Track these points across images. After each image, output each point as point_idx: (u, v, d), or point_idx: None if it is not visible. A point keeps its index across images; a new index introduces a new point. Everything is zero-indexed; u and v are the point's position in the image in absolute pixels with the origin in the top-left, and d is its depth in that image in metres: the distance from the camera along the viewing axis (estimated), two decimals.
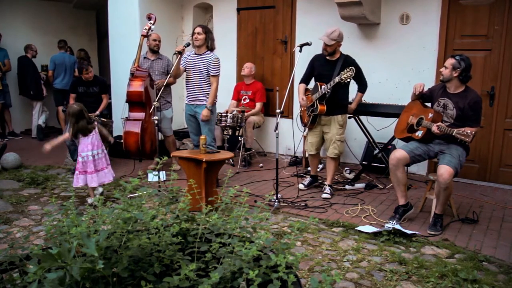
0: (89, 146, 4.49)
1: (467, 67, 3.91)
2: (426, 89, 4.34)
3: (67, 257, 1.52)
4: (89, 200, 4.64)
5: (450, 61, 3.96)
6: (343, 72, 4.51)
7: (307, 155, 5.95)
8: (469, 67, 3.93)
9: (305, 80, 5.07)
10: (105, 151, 4.66)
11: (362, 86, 4.98)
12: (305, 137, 6.11)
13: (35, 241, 3.69)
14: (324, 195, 4.91)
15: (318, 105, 4.76)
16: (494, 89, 5.33)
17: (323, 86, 4.69)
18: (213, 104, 5.24)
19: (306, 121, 5.02)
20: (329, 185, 5.01)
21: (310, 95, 4.91)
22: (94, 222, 1.94)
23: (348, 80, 4.53)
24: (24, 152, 6.88)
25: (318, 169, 6.03)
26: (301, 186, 5.21)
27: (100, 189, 4.65)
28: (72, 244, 1.58)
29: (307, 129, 5.11)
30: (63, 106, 7.80)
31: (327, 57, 4.86)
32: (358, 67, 4.78)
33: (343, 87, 4.75)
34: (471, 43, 5.44)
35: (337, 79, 4.55)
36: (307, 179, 5.28)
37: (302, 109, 5.14)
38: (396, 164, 4.09)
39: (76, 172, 4.50)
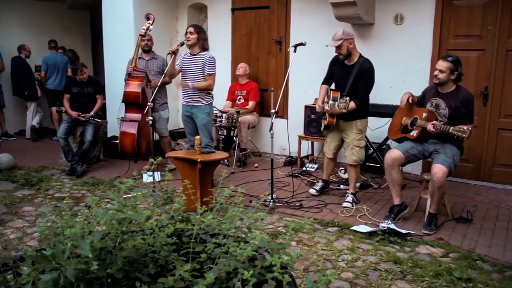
0: None
1: (459, 67, 3.95)
2: (417, 93, 4.37)
3: (61, 258, 1.51)
4: None
5: (446, 65, 3.93)
6: (339, 102, 4.33)
7: (303, 155, 5.95)
8: (461, 67, 3.98)
9: (326, 81, 4.81)
10: None
11: (357, 98, 4.50)
12: (299, 138, 6.14)
13: (29, 243, 3.67)
14: (345, 204, 4.67)
15: (328, 116, 4.61)
16: (488, 89, 5.36)
17: (331, 102, 4.47)
18: (210, 104, 5.21)
19: (325, 123, 4.79)
20: (352, 193, 4.77)
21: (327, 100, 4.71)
22: (88, 223, 1.93)
23: (344, 110, 4.30)
24: (18, 153, 6.85)
25: (313, 169, 6.06)
26: (312, 191, 5.04)
27: None
28: (66, 245, 1.57)
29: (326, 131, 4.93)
30: (56, 106, 7.78)
31: (345, 61, 4.62)
32: (368, 76, 4.51)
33: (354, 93, 4.52)
34: (464, 43, 5.47)
35: (328, 107, 4.44)
36: (319, 184, 5.13)
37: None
38: (391, 164, 4.10)
39: None
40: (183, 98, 5.31)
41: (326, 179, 5.13)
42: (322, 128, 4.93)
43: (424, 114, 4.08)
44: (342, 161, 6.36)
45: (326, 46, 4.61)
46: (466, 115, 3.95)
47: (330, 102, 4.51)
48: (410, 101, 4.23)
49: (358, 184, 5.34)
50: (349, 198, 4.74)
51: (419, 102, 4.33)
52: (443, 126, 3.82)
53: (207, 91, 5.18)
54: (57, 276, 1.51)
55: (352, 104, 4.42)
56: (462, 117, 3.95)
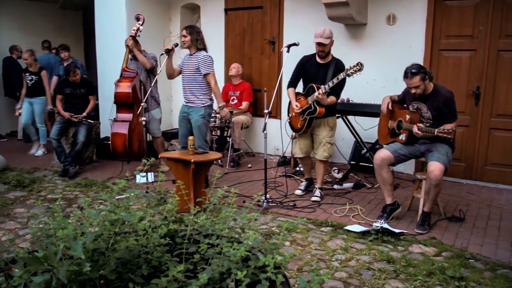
0: None
1: (426, 70, 3.96)
2: (398, 93, 4.41)
3: (53, 260, 1.50)
4: None
5: (416, 79, 3.87)
6: (349, 67, 4.32)
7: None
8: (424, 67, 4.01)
9: (294, 83, 4.91)
10: None
11: (335, 94, 4.65)
12: (293, 139, 6.14)
13: (21, 244, 3.65)
14: (314, 198, 4.83)
15: (317, 107, 4.58)
16: (479, 89, 5.39)
17: (322, 86, 4.51)
18: (207, 106, 5.18)
19: (300, 126, 4.79)
20: (319, 188, 4.94)
21: (302, 98, 4.78)
22: (81, 224, 1.92)
23: (355, 75, 4.32)
24: (10, 154, 6.79)
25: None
26: (298, 192, 5.08)
27: None
28: (58, 246, 1.57)
29: (296, 134, 4.97)
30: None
31: (318, 60, 4.74)
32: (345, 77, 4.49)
33: (333, 90, 4.58)
34: (456, 43, 5.50)
35: (342, 76, 4.38)
36: (303, 184, 5.20)
37: (293, 114, 4.93)
38: (380, 164, 4.12)
39: None
40: (184, 98, 5.28)
41: (309, 177, 5.23)
42: (301, 128, 4.79)
43: (408, 116, 4.09)
44: (336, 161, 6.40)
45: (317, 42, 4.60)
46: (449, 114, 3.98)
47: (321, 86, 4.53)
48: (390, 107, 4.25)
49: (351, 184, 5.37)
50: (317, 192, 4.90)
51: (401, 101, 4.35)
52: (428, 129, 3.83)
53: (205, 91, 5.13)
54: (49, 278, 1.50)
55: (333, 98, 4.60)
56: (445, 116, 3.98)
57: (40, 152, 7.19)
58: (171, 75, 5.25)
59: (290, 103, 4.94)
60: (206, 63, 5.04)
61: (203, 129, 5.17)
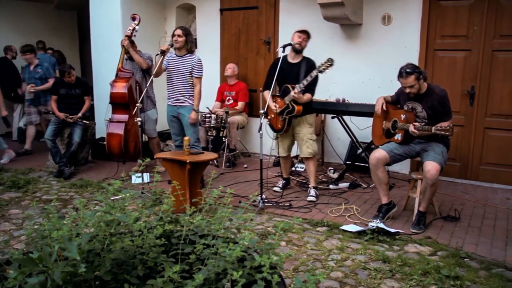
0: None
1: (420, 69, 3.97)
2: (391, 94, 4.42)
3: (48, 261, 1.50)
4: None
5: (411, 79, 3.88)
6: (320, 64, 4.47)
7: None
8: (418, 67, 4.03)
9: (269, 85, 4.88)
10: None
11: (310, 91, 4.75)
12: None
13: (16, 246, 3.63)
14: (310, 198, 4.83)
15: (295, 106, 4.66)
16: (474, 89, 5.41)
17: (297, 85, 4.59)
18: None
19: (280, 126, 4.85)
20: (314, 188, 4.95)
21: (279, 100, 4.83)
22: (76, 225, 1.92)
23: (327, 71, 4.47)
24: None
25: (302, 169, 6.07)
26: (276, 189, 5.18)
27: None
28: (53, 248, 1.56)
29: (278, 134, 5.01)
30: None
31: (290, 60, 4.84)
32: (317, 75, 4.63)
33: (308, 88, 4.66)
34: (451, 43, 5.52)
35: (315, 73, 4.52)
36: (280, 182, 5.25)
37: (271, 116, 4.98)
38: (375, 164, 4.12)
39: None
40: (168, 99, 5.30)
41: (287, 177, 5.32)
42: (282, 128, 4.85)
43: (403, 116, 4.09)
44: (331, 161, 6.41)
45: (301, 31, 4.79)
46: (443, 113, 3.99)
47: (296, 85, 4.60)
48: (384, 108, 4.27)
49: (347, 184, 5.37)
50: (312, 192, 4.91)
51: (394, 102, 4.36)
52: (425, 127, 3.84)
53: (193, 91, 5.16)
54: (44, 279, 1.50)
55: (308, 95, 4.72)
56: (440, 115, 3.99)
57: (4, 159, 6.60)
58: (158, 74, 5.26)
59: (267, 105, 4.94)
60: (200, 67, 5.13)
61: (196, 126, 5.24)
